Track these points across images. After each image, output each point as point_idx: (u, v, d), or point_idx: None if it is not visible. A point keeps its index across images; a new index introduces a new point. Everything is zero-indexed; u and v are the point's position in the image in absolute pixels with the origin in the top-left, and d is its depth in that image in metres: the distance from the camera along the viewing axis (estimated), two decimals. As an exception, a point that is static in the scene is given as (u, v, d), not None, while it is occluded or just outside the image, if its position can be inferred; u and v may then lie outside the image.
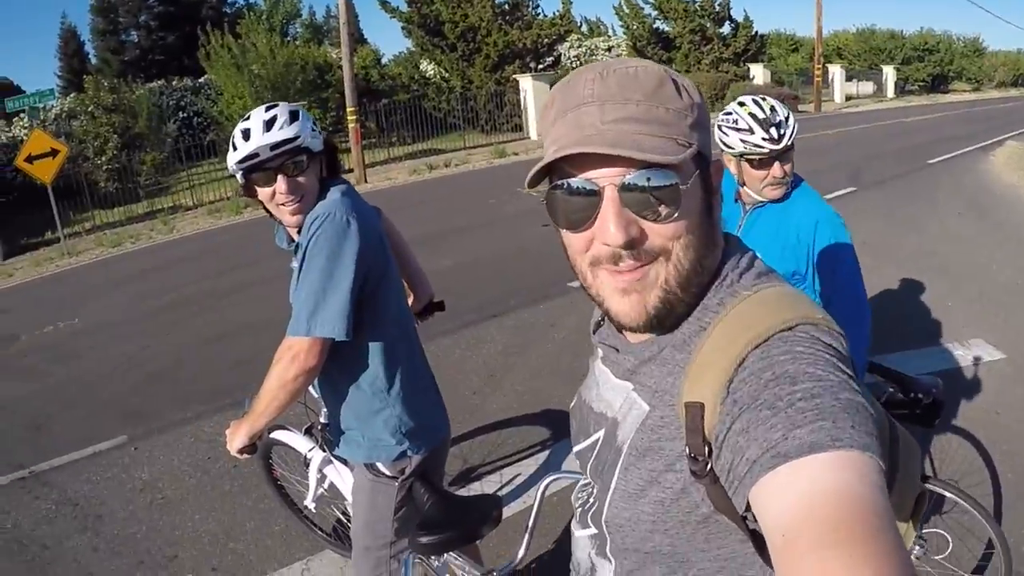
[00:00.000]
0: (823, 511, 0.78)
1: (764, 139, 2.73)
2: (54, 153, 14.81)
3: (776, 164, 2.80)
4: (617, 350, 1.22)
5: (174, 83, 30.01)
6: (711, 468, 1.00)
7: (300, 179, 2.38)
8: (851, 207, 10.32)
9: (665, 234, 1.03)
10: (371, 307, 2.44)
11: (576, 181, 1.03)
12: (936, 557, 3.09)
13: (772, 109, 2.77)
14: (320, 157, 2.49)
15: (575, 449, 1.35)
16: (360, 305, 2.37)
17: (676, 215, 1.02)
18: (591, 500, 1.28)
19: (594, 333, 1.35)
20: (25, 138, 17.13)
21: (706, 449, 1.00)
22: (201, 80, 29.73)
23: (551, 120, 1.09)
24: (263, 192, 2.40)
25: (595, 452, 1.25)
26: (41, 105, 22.29)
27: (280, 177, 2.35)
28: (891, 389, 2.78)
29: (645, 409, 1.12)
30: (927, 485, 2.89)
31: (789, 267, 2.83)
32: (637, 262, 1.04)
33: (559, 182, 1.06)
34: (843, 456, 0.83)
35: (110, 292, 11.00)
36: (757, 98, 2.82)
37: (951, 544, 3.12)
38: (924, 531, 3.16)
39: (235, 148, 2.35)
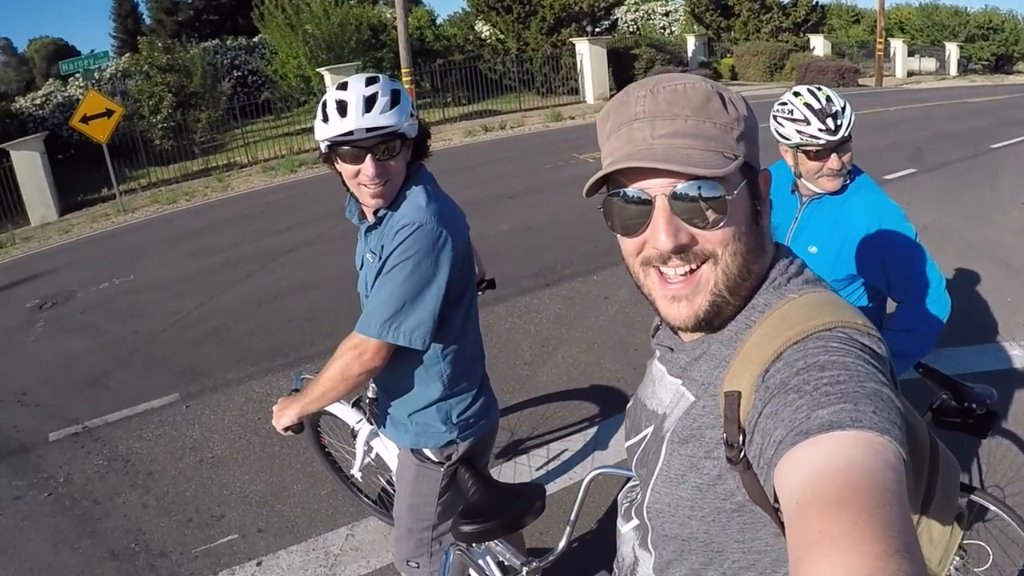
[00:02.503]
0: (834, 482, 0.81)
1: (820, 130, 2.67)
2: (109, 113, 14.90)
3: (833, 156, 2.72)
4: (672, 350, 1.27)
5: (228, 42, 30.11)
6: (744, 455, 1.04)
7: (390, 163, 2.26)
8: (911, 190, 10.03)
9: (713, 240, 1.10)
10: (449, 310, 2.38)
11: (630, 191, 1.11)
12: (977, 569, 2.99)
13: (828, 99, 2.70)
14: (412, 141, 2.37)
15: (626, 444, 1.41)
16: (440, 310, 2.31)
17: (723, 223, 1.08)
18: (637, 496, 1.34)
19: (653, 336, 1.40)
20: (81, 97, 17.26)
21: (741, 436, 1.05)
22: (255, 39, 29.82)
23: (607, 134, 1.17)
24: (346, 169, 2.27)
25: (642, 445, 1.31)
26: (96, 67, 22.55)
27: (369, 158, 2.22)
28: (945, 396, 2.69)
29: (690, 400, 1.18)
30: (971, 496, 2.80)
31: (845, 263, 2.76)
32: (686, 264, 1.11)
33: (615, 191, 1.13)
34: (860, 435, 0.86)
35: (165, 250, 11.12)
36: (812, 88, 2.75)
37: (992, 555, 3.02)
38: (964, 542, 3.03)
39: (326, 120, 2.21)
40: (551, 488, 4.04)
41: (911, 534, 0.77)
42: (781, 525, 1.04)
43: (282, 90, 24.28)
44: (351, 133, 2.17)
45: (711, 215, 1.07)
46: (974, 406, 2.56)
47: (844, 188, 2.82)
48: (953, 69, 39.81)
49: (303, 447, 4.66)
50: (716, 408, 1.11)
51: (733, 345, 1.13)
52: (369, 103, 2.18)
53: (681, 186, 1.06)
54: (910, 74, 37.60)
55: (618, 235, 1.17)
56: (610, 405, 4.97)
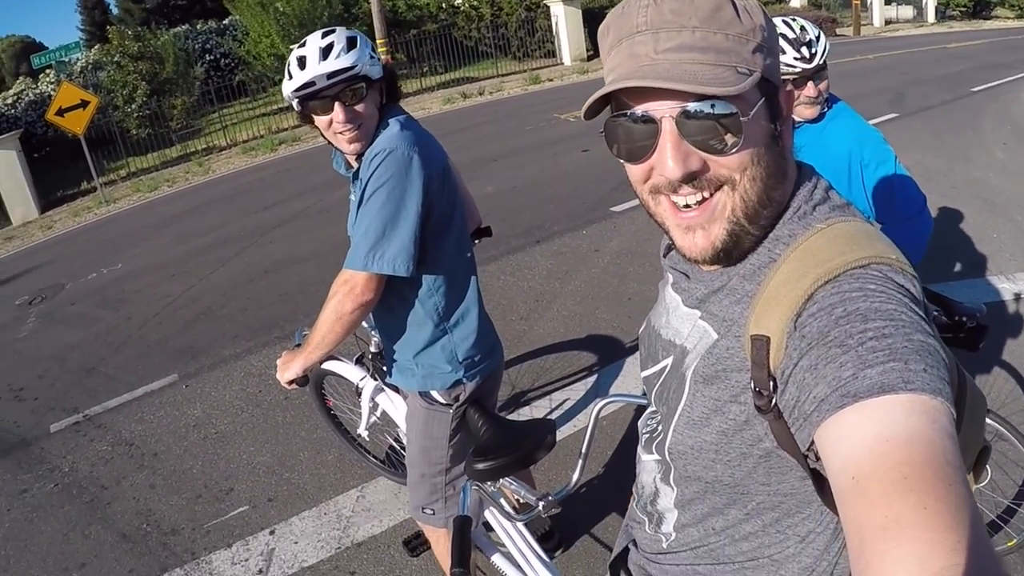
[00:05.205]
0: (894, 457, 0.77)
1: (796, 58, 2.69)
2: (84, 104, 14.66)
3: (809, 84, 2.77)
4: (688, 277, 1.20)
5: (198, 26, 29.73)
6: (775, 403, 0.98)
7: (358, 107, 2.30)
8: (894, 134, 9.90)
9: (729, 165, 1.00)
10: (435, 239, 2.39)
11: (633, 112, 1.00)
12: (976, 486, 3.00)
13: (802, 28, 2.74)
14: (379, 84, 2.40)
15: (643, 374, 1.35)
16: (424, 238, 2.32)
17: (739, 146, 0.98)
18: (658, 428, 1.28)
19: (664, 257, 1.32)
20: (53, 94, 17.03)
21: (771, 384, 0.99)
22: (226, 21, 29.40)
23: (607, 49, 1.06)
24: (320, 120, 2.33)
25: (662, 378, 1.25)
26: (67, 58, 22.24)
27: (337, 105, 2.27)
28: (936, 311, 2.66)
29: (713, 337, 1.11)
30: None
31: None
32: (698, 191, 1.02)
33: (617, 113, 1.03)
34: (914, 399, 0.81)
35: (151, 236, 11.02)
36: (787, 19, 2.78)
37: (990, 473, 3.07)
38: None
39: (290, 76, 2.28)
40: (557, 436, 4.05)
41: (977, 516, 0.73)
42: (811, 471, 1.01)
43: (256, 70, 24.00)
44: (313, 83, 2.24)
45: (728, 138, 0.97)
46: (964, 319, 2.55)
47: (822, 116, 2.88)
48: (931, 16, 39.48)
49: (306, 415, 4.66)
50: (741, 349, 1.05)
51: (756, 279, 1.06)
52: (326, 52, 2.26)
53: (691, 106, 0.96)
54: (888, 22, 37.38)
55: (623, 161, 1.07)
56: (608, 353, 4.98)
